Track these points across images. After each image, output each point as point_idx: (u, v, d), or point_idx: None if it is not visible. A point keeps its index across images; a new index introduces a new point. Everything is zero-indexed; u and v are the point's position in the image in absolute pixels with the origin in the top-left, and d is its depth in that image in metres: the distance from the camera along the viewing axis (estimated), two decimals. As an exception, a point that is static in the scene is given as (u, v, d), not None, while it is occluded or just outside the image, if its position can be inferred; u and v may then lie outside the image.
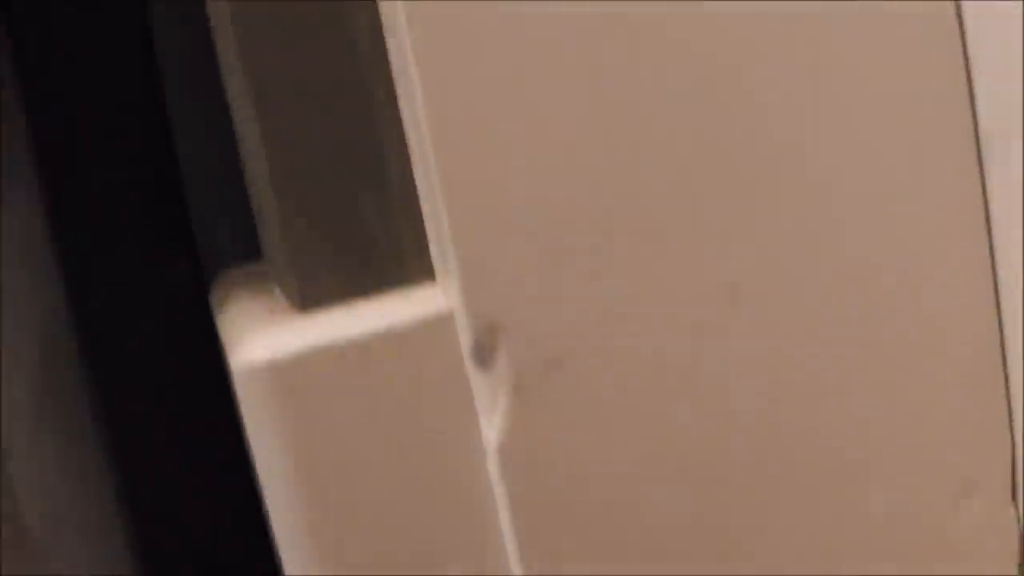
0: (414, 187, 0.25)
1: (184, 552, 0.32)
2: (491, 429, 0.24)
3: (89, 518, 0.34)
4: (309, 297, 0.25)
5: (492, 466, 0.24)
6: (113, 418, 0.32)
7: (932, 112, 0.25)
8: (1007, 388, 0.27)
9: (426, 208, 0.25)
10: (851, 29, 0.25)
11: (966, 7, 0.25)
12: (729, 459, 0.25)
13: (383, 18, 0.24)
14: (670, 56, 0.24)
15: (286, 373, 0.24)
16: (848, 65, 0.25)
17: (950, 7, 0.25)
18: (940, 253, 0.26)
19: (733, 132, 0.25)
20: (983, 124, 0.26)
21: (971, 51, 0.25)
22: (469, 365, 0.24)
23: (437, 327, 0.24)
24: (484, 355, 0.24)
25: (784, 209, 0.25)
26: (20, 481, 0.33)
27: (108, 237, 0.31)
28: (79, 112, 0.31)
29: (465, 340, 0.24)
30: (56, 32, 0.30)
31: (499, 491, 0.25)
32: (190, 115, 0.32)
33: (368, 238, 0.25)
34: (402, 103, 0.24)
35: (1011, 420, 0.28)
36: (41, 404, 0.33)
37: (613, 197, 0.24)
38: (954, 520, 0.27)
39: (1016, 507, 0.28)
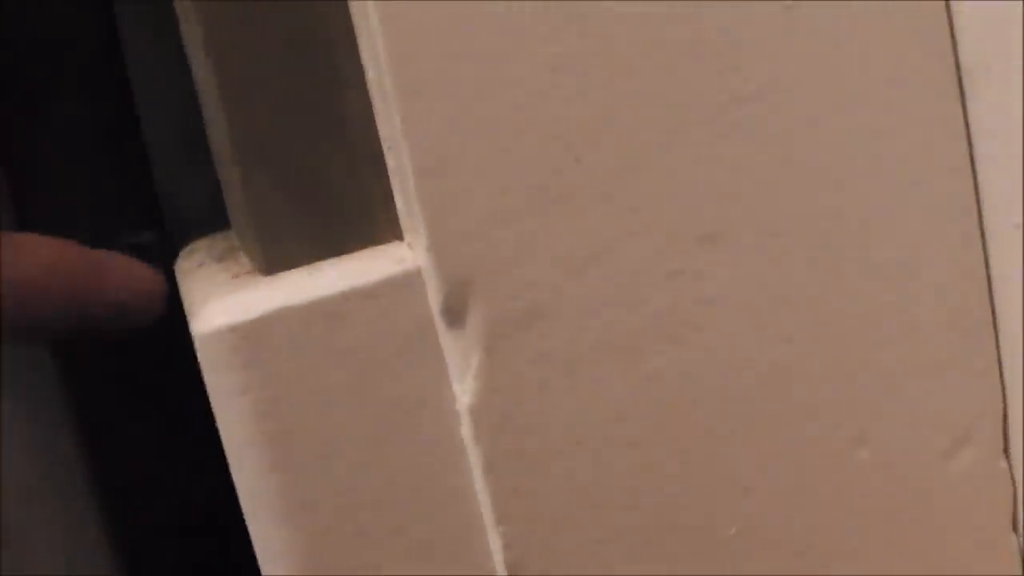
0: (377, 144, 0.24)
1: (161, 527, 0.32)
2: (463, 392, 0.23)
3: (61, 496, 0.33)
4: (273, 260, 0.24)
5: (465, 429, 0.24)
6: (80, 388, 0.31)
7: (913, 47, 0.25)
8: (997, 343, 0.27)
9: (391, 163, 0.24)
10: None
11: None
12: (710, 409, 0.25)
13: (342, -32, 0.23)
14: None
15: (247, 338, 0.23)
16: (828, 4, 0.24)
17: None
18: (924, 195, 0.25)
19: (707, 73, 0.24)
20: (964, 59, 0.25)
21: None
22: (440, 325, 0.23)
23: (405, 286, 0.23)
24: (455, 314, 0.23)
25: (760, 151, 0.24)
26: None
27: (72, 206, 0.30)
28: (40, 77, 0.30)
29: (435, 299, 0.23)
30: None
31: (473, 454, 0.24)
32: (152, 81, 0.31)
33: (333, 197, 0.24)
34: (364, 56, 0.24)
35: (1002, 375, 0.27)
36: (8, 372, 0.32)
37: (584, 144, 0.23)
38: (944, 471, 0.26)
39: (1007, 460, 0.27)
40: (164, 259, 0.30)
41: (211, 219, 0.32)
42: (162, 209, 0.31)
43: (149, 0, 0.31)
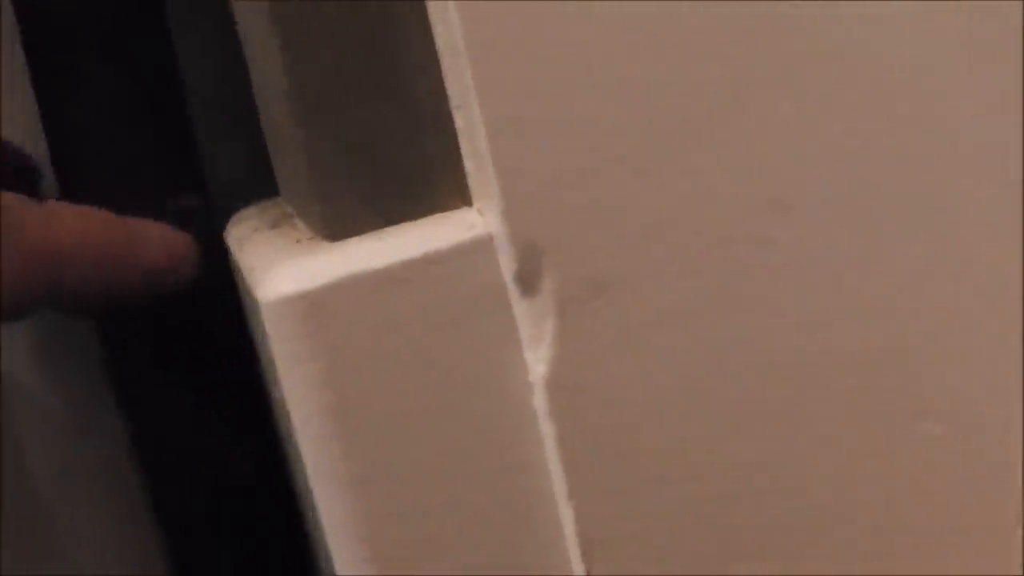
0: (444, 106, 0.23)
1: (195, 492, 0.31)
2: (537, 361, 0.23)
3: (99, 471, 0.33)
4: (337, 226, 0.23)
5: (538, 400, 0.23)
6: (121, 359, 0.30)
7: (985, 30, 0.24)
8: None
9: (461, 125, 0.23)
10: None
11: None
12: (779, 377, 0.24)
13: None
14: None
15: (315, 305, 0.22)
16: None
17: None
18: (989, 168, 0.25)
19: (777, 43, 0.23)
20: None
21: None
22: (512, 292, 0.23)
23: (476, 251, 0.23)
24: (529, 280, 0.23)
25: (829, 121, 0.24)
26: (26, 435, 0.32)
27: (114, 170, 0.29)
28: (82, 44, 0.29)
29: (507, 265, 0.23)
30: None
31: (545, 425, 0.23)
32: (195, 44, 0.30)
33: (397, 160, 0.23)
34: (432, 12, 0.23)
35: None
36: (47, 345, 0.31)
37: (656, 110, 0.23)
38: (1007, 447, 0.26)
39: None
40: (207, 224, 0.29)
41: (253, 185, 0.31)
42: (204, 174, 0.30)
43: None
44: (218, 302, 0.29)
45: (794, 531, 0.25)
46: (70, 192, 0.29)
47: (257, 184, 0.31)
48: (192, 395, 0.31)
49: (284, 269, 0.23)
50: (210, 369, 0.31)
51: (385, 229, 0.23)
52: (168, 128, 0.30)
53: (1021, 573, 0.27)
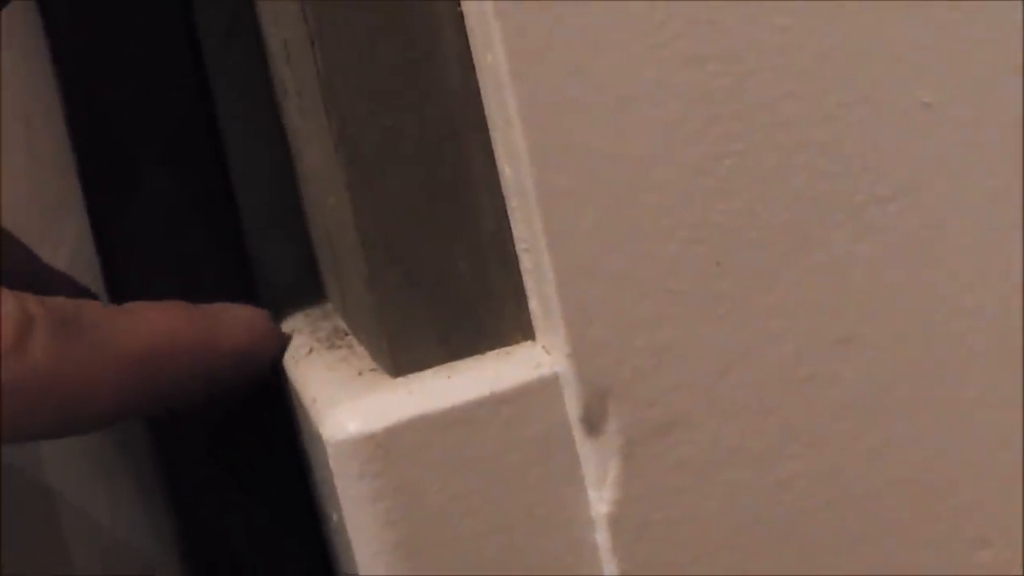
0: (509, 242, 0.23)
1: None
2: (600, 500, 0.23)
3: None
4: (402, 359, 0.23)
5: (601, 537, 0.23)
6: (170, 451, 0.31)
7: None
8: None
9: (527, 264, 0.23)
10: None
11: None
12: (843, 514, 0.24)
13: (476, 63, 0.23)
14: (776, 107, 0.23)
15: (381, 446, 0.22)
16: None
17: None
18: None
19: (845, 175, 0.23)
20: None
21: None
22: (577, 432, 0.23)
23: (543, 392, 0.23)
24: (594, 421, 0.23)
25: (895, 252, 0.24)
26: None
27: (164, 276, 0.29)
28: (134, 149, 0.29)
29: (574, 406, 0.23)
30: (104, 57, 0.29)
31: (608, 563, 0.23)
32: (245, 154, 0.31)
33: (462, 296, 0.24)
34: (499, 154, 0.23)
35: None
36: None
37: (725, 248, 0.23)
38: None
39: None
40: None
41: (301, 288, 0.31)
42: (254, 279, 0.30)
43: (245, 71, 0.30)
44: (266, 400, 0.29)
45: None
46: (121, 297, 0.30)
47: (305, 287, 0.31)
48: (241, 496, 0.31)
49: (350, 406, 0.23)
50: (259, 469, 0.31)
51: (450, 364, 0.23)
52: (219, 231, 0.30)
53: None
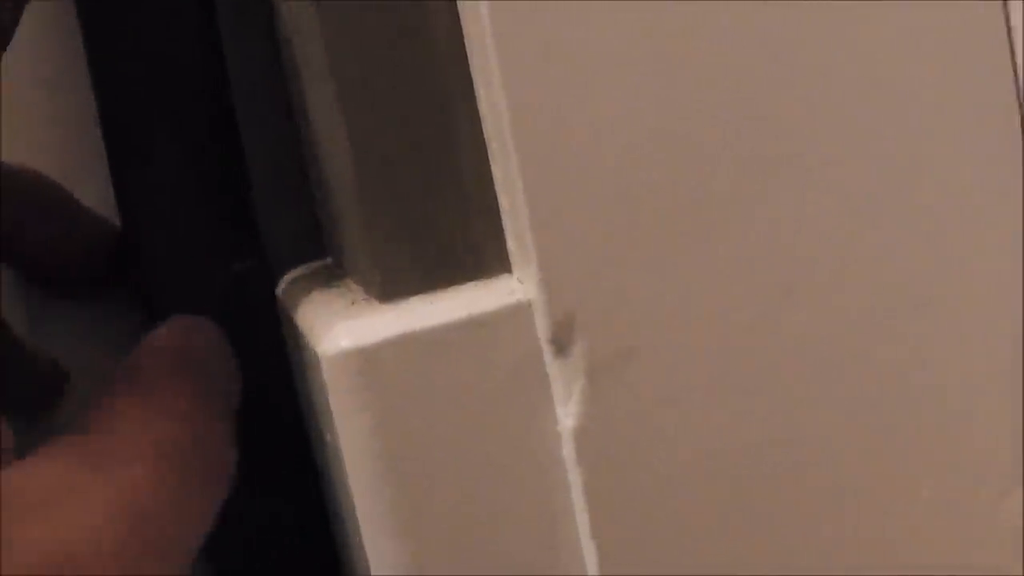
0: (490, 183, 0.26)
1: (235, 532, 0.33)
2: (567, 415, 0.25)
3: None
4: (391, 289, 0.26)
5: (567, 449, 0.26)
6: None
7: (984, 119, 0.27)
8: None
9: (504, 204, 0.26)
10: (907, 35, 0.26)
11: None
12: (798, 449, 0.27)
13: (463, 18, 0.26)
14: (738, 61, 0.26)
15: (370, 360, 0.25)
16: (904, 74, 0.26)
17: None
18: (984, 258, 0.27)
19: (791, 135, 0.26)
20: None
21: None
22: (547, 353, 0.25)
23: (516, 316, 0.25)
24: (561, 344, 0.25)
25: (834, 211, 0.26)
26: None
27: (178, 236, 0.32)
28: (147, 106, 0.32)
29: (543, 329, 0.25)
30: (126, 30, 0.31)
31: (573, 475, 0.26)
32: (256, 122, 0.33)
33: (447, 234, 0.26)
34: (482, 106, 0.26)
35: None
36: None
37: (682, 193, 0.26)
38: (997, 515, 0.28)
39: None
40: (264, 286, 0.32)
41: (305, 250, 0.34)
42: (262, 241, 0.33)
43: (257, 38, 0.33)
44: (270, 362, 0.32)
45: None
46: (137, 256, 0.32)
47: (307, 250, 0.34)
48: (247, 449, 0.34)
49: (343, 326, 0.25)
50: (265, 419, 0.33)
51: (433, 293, 0.26)
52: (231, 195, 0.33)
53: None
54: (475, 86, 0.26)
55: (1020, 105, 0.27)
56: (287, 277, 0.32)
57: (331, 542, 0.33)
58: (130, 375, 0.26)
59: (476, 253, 0.26)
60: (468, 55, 0.26)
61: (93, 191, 0.34)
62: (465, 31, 0.26)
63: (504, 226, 0.26)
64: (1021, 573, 0.29)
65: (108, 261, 0.33)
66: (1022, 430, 0.28)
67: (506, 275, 0.26)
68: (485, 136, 0.26)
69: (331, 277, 0.30)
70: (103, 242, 0.33)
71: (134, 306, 0.34)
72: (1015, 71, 0.27)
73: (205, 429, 0.26)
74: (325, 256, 0.33)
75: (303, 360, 0.29)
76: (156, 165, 0.32)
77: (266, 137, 0.34)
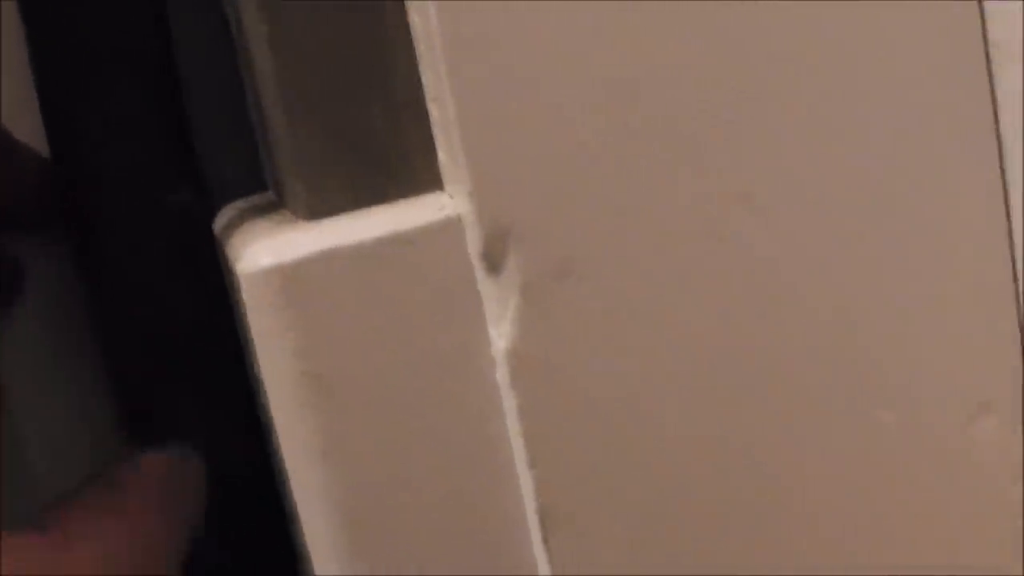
0: (421, 96, 0.25)
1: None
2: (500, 337, 0.24)
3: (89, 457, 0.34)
4: (317, 206, 0.25)
5: (500, 373, 0.24)
6: (116, 348, 0.32)
7: (943, 18, 0.25)
8: (1019, 310, 0.27)
9: (435, 113, 0.24)
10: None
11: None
12: (741, 369, 0.25)
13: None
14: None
15: (291, 278, 0.24)
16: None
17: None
18: (951, 164, 0.26)
19: (748, 37, 0.25)
20: (992, 36, 0.26)
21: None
22: (479, 270, 0.24)
23: (446, 232, 0.24)
24: (494, 260, 0.24)
25: (797, 117, 0.25)
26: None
27: (115, 166, 0.31)
28: (78, 33, 0.30)
29: (475, 245, 0.24)
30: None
31: (507, 398, 0.24)
32: (196, 45, 0.32)
33: (376, 146, 0.25)
34: (411, 10, 0.24)
35: (1023, 342, 0.27)
36: (43, 337, 0.33)
37: (626, 101, 0.24)
38: (967, 439, 0.27)
39: (1026, 428, 0.28)
40: (204, 220, 0.31)
41: (248, 187, 0.33)
42: (203, 175, 0.32)
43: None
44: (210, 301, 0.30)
45: (751, 506, 0.26)
46: (73, 187, 0.31)
47: (254, 183, 0.32)
48: (188, 390, 0.32)
49: (264, 244, 0.24)
50: (206, 353, 0.32)
51: (361, 211, 0.25)
52: (168, 127, 0.31)
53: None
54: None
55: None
56: (224, 210, 0.30)
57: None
58: (107, 490, 0.27)
59: (407, 169, 0.25)
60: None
61: (25, 124, 0.32)
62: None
63: (435, 138, 0.25)
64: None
65: (43, 196, 0.32)
66: (988, 354, 0.27)
67: (437, 192, 0.25)
68: (413, 38, 0.24)
69: (268, 208, 0.29)
70: (37, 177, 0.32)
71: (70, 243, 0.33)
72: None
73: (158, 563, 0.26)
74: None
75: (232, 286, 0.27)
76: (89, 95, 0.31)
77: (208, 67, 0.32)
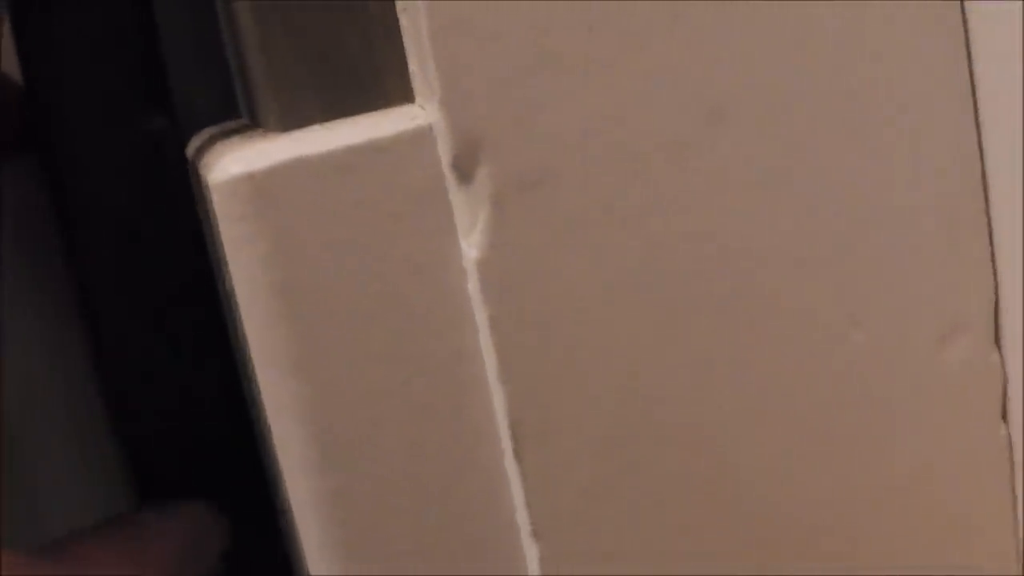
0: (392, 8, 0.25)
1: (163, 417, 0.32)
2: (471, 246, 0.24)
3: (60, 389, 0.34)
4: (288, 118, 0.25)
5: (472, 284, 0.24)
6: (89, 278, 0.32)
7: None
8: (990, 230, 0.27)
9: (405, 23, 0.24)
10: None
11: None
12: (710, 281, 0.25)
13: None
14: None
15: (262, 186, 0.24)
16: None
17: None
18: (921, 80, 0.26)
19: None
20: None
21: None
22: (449, 180, 0.24)
23: (417, 141, 0.24)
24: (464, 170, 0.24)
25: (769, 27, 0.25)
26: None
27: (83, 89, 0.30)
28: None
29: (445, 154, 0.24)
30: None
31: (478, 309, 0.24)
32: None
33: (348, 60, 0.25)
34: (382, -81, 0.24)
35: (994, 263, 0.27)
36: (17, 265, 0.33)
37: (597, 12, 0.24)
38: (938, 358, 0.27)
39: (999, 351, 0.28)
40: (176, 148, 0.31)
41: (222, 116, 0.32)
42: (175, 103, 0.32)
43: None
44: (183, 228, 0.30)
45: (721, 417, 0.26)
46: (46, 114, 0.31)
47: (227, 113, 0.32)
48: (159, 321, 0.32)
49: (234, 155, 0.24)
50: (179, 286, 0.32)
51: (332, 121, 0.25)
52: (141, 55, 0.31)
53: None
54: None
55: None
56: (198, 135, 0.30)
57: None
58: (128, 536, 0.27)
59: (379, 82, 0.25)
60: None
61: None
62: None
63: (406, 48, 0.25)
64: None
65: (13, 123, 0.32)
66: (959, 275, 0.27)
67: (409, 104, 0.25)
68: (385, -48, 0.24)
69: (242, 130, 0.29)
70: (7, 103, 0.32)
71: (42, 170, 0.33)
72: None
73: None
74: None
75: (204, 201, 0.27)
76: (63, 22, 0.31)
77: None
